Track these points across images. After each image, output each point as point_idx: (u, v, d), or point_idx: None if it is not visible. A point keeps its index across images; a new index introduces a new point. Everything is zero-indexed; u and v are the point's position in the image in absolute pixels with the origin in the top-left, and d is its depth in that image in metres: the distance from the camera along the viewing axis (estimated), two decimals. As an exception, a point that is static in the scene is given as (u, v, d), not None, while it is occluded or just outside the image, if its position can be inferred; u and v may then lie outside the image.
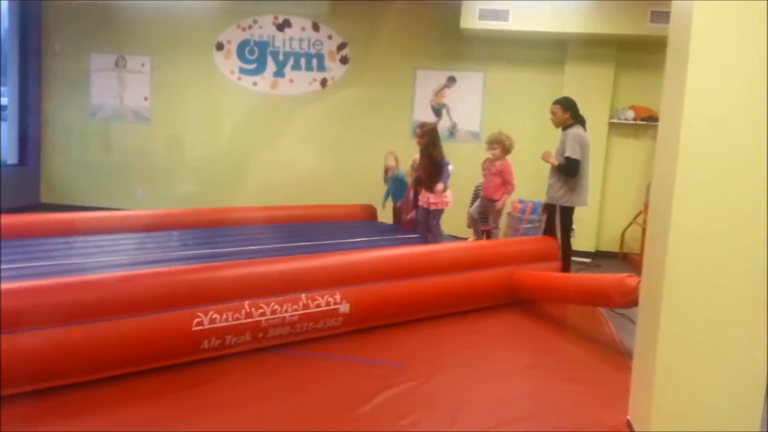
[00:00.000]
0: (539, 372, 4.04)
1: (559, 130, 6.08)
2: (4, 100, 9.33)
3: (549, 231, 6.13)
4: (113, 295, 3.55)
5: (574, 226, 6.20)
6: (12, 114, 9.31)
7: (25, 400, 3.17)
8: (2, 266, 4.36)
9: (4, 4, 9.13)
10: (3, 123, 9.21)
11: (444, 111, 8.49)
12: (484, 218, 6.65)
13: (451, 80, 8.44)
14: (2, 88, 9.35)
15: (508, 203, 7.71)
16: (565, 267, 5.98)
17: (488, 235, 6.58)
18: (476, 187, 7.07)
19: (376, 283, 4.59)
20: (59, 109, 9.25)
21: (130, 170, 9.14)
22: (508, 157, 6.59)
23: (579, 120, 5.96)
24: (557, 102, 6.03)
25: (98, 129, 9.20)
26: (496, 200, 6.46)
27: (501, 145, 6.42)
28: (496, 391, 3.71)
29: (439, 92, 8.48)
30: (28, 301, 3.30)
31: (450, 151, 7.87)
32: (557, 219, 6.02)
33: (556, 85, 7.98)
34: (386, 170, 7.27)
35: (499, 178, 6.43)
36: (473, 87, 8.38)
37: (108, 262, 4.66)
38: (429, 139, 6.17)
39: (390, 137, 8.40)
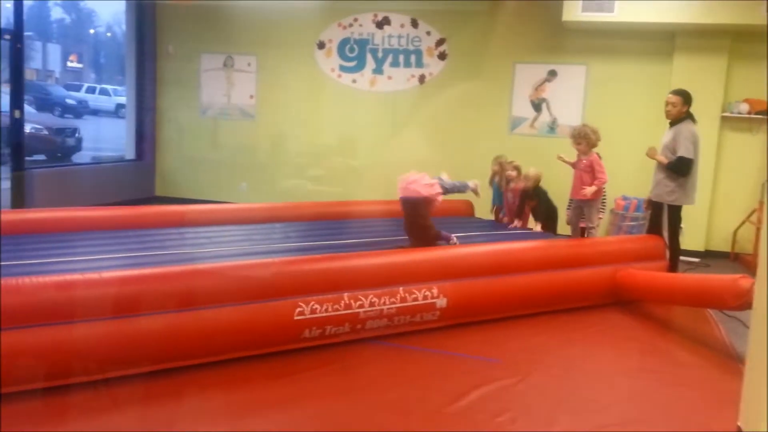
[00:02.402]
0: (644, 374, 3.91)
1: (665, 123, 5.82)
2: (123, 99, 9.91)
3: (654, 229, 5.90)
4: (222, 283, 3.73)
5: (682, 225, 5.93)
6: (130, 112, 9.93)
7: (140, 381, 3.38)
8: (121, 255, 4.66)
9: (122, 9, 9.72)
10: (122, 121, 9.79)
11: (544, 105, 8.32)
12: (582, 218, 6.42)
13: (552, 74, 8.26)
14: (121, 88, 9.94)
15: (611, 199, 7.48)
16: (673, 267, 5.74)
17: (585, 233, 6.35)
18: None
19: (474, 279, 4.58)
20: (172, 108, 9.75)
21: (237, 165, 9.52)
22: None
23: (690, 115, 5.68)
24: (678, 93, 5.68)
25: (208, 126, 9.65)
26: (591, 199, 6.17)
27: (586, 140, 6.10)
28: (598, 392, 3.63)
29: (539, 86, 8.32)
30: (144, 287, 3.52)
31: (550, 146, 7.75)
32: (664, 217, 5.78)
33: (663, 77, 7.66)
34: (493, 175, 7.16)
35: (589, 174, 6.07)
36: (575, 81, 8.17)
37: (217, 253, 4.87)
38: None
39: (488, 133, 8.34)
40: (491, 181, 7.14)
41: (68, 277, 3.44)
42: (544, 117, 8.31)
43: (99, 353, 3.28)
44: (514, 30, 8.31)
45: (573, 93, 8.18)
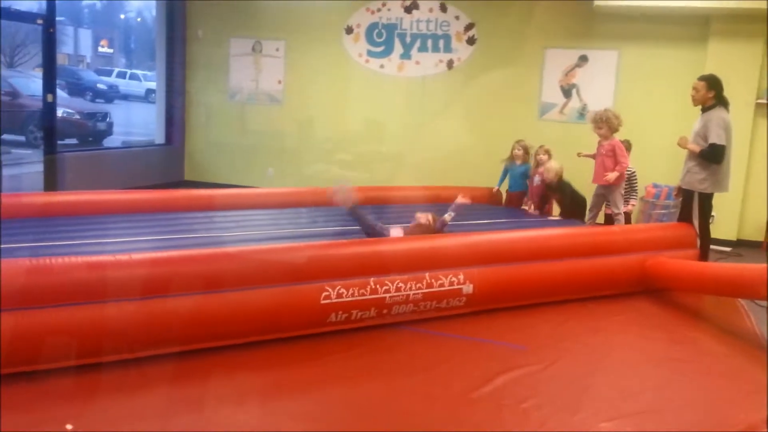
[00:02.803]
0: (671, 363, 3.87)
1: (698, 111, 5.71)
2: (153, 84, 10.00)
3: (684, 217, 5.81)
4: (248, 267, 3.76)
5: (713, 213, 5.83)
6: (160, 97, 10.02)
7: (170, 361, 3.43)
8: (151, 237, 4.72)
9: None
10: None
11: (574, 91, 8.22)
12: (606, 204, 6.33)
13: (583, 59, 8.15)
14: (151, 73, 10.03)
15: (641, 187, 7.38)
16: (703, 256, 5.66)
17: (613, 220, 6.26)
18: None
19: (500, 265, 4.56)
20: (201, 92, 9.83)
21: (264, 150, 9.56)
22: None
23: (722, 101, 5.54)
24: (703, 78, 5.59)
25: (236, 111, 9.70)
26: (614, 185, 6.06)
27: (608, 124, 6.00)
28: (624, 380, 3.60)
29: (569, 72, 8.22)
30: (173, 269, 3.56)
31: (579, 132, 7.67)
32: (695, 205, 5.69)
33: (697, 63, 7.49)
34: (513, 159, 7.12)
35: (611, 159, 6.01)
36: (606, 66, 8.05)
37: (244, 237, 4.92)
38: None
39: (517, 118, 8.26)
40: (505, 162, 7.10)
41: (99, 258, 3.50)
42: (574, 103, 8.21)
43: (129, 333, 3.33)
44: (544, 14, 8.20)
45: (604, 79, 8.06)
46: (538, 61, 8.31)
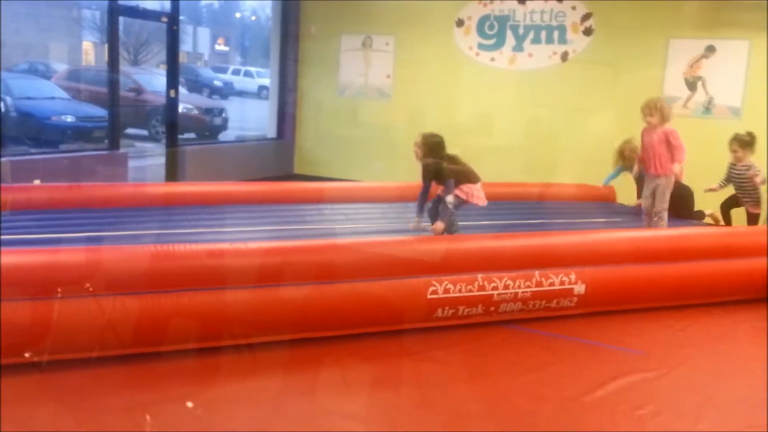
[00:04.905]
0: (804, 377, 3.58)
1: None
2: (265, 81, 10.30)
3: None
4: (358, 259, 3.80)
5: None
6: (273, 92, 10.34)
7: (282, 348, 3.51)
8: (264, 227, 4.88)
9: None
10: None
11: (699, 84, 7.75)
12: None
13: (710, 50, 7.66)
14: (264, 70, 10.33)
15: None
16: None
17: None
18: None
19: (615, 266, 4.37)
20: (312, 88, 10.03)
21: (372, 144, 9.65)
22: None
23: None
24: None
25: (345, 106, 9.84)
26: (671, 175, 5.51)
27: (661, 113, 5.52)
28: (749, 391, 3.38)
29: (694, 63, 7.76)
30: (286, 259, 3.66)
31: (705, 128, 7.23)
32: None
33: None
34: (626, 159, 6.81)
35: (664, 145, 5.49)
36: (736, 57, 7.52)
37: (353, 229, 4.99)
38: (428, 151, 5.20)
39: (636, 113, 7.87)
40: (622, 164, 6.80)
41: (217, 246, 3.64)
42: (699, 96, 7.74)
43: (244, 319, 3.44)
44: (668, 2, 7.76)
45: (733, 71, 7.53)
46: (660, 52, 7.89)
